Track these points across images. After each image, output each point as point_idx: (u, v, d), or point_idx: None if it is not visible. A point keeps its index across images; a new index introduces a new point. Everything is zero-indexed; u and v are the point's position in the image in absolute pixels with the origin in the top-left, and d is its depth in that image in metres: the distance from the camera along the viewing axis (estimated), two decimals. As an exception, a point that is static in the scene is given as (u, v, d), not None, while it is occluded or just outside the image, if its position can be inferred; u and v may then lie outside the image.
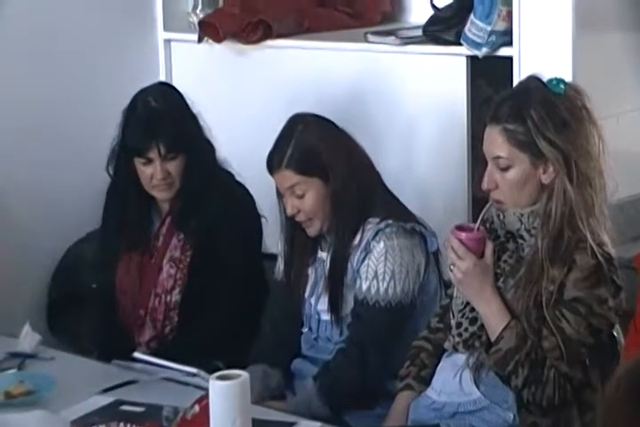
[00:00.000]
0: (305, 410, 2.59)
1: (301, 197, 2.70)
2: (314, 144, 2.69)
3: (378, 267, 2.67)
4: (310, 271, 2.79)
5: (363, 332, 2.68)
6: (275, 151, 2.72)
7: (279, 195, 2.76)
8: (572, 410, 2.39)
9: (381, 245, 2.67)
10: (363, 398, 2.68)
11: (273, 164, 2.71)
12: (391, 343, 2.68)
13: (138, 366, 2.50)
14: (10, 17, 3.44)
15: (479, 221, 2.44)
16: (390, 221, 2.68)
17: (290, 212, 2.72)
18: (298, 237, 2.78)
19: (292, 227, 2.77)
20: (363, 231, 2.70)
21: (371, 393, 2.68)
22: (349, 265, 2.71)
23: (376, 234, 2.69)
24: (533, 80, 2.45)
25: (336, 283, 2.71)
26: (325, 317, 2.76)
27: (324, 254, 2.77)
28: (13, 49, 3.45)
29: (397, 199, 2.78)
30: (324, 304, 2.75)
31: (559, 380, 2.36)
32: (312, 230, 2.74)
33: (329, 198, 2.69)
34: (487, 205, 2.46)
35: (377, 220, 2.69)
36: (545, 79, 2.43)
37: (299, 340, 2.82)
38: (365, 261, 2.69)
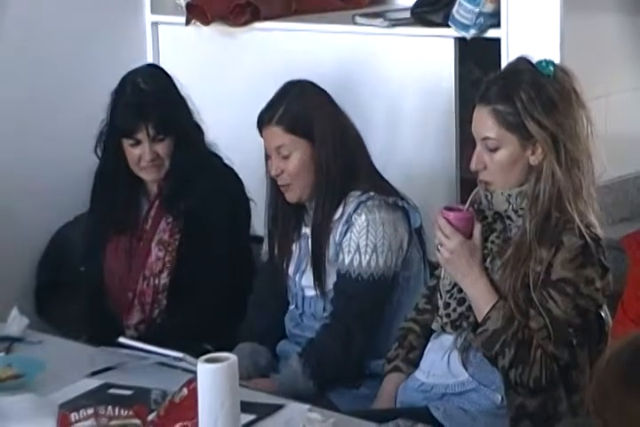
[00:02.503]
0: (291, 386, 2.60)
1: (287, 157, 2.70)
2: (306, 106, 2.71)
3: (360, 240, 2.67)
4: (295, 247, 2.79)
5: (346, 306, 2.68)
6: (267, 108, 2.74)
7: (266, 157, 2.75)
8: (560, 391, 2.40)
9: (363, 217, 2.68)
10: (348, 373, 2.69)
11: (263, 119, 2.73)
12: (375, 317, 2.69)
13: (124, 351, 2.50)
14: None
15: (468, 202, 2.45)
16: (372, 194, 2.69)
17: (274, 172, 2.72)
18: (282, 209, 2.78)
19: (276, 197, 2.77)
20: (345, 204, 2.70)
21: (356, 369, 2.69)
22: (332, 239, 2.71)
23: (357, 207, 2.69)
24: (523, 62, 2.46)
25: (318, 255, 2.71)
26: (310, 293, 2.77)
27: (307, 230, 2.77)
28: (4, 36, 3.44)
29: (383, 177, 2.78)
30: (308, 280, 2.76)
31: (546, 360, 2.36)
32: (291, 195, 2.73)
33: (313, 163, 2.69)
34: (477, 188, 2.47)
35: (358, 193, 2.70)
36: (534, 61, 2.44)
37: (284, 319, 2.83)
38: (347, 235, 2.69)
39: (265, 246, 2.85)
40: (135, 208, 3.01)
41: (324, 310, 2.74)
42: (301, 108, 2.70)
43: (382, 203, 2.68)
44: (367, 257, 2.66)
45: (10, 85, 3.47)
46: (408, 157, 3.25)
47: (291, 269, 2.80)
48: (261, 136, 2.75)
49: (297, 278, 2.79)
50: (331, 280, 2.72)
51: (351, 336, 2.67)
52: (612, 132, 2.64)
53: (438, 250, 2.44)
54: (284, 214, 2.79)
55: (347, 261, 2.68)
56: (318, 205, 2.72)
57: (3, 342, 2.64)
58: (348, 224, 2.69)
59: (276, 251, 2.80)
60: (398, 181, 2.82)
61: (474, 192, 2.46)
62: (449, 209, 2.44)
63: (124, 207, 2.99)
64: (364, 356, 2.69)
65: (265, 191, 2.84)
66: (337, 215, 2.70)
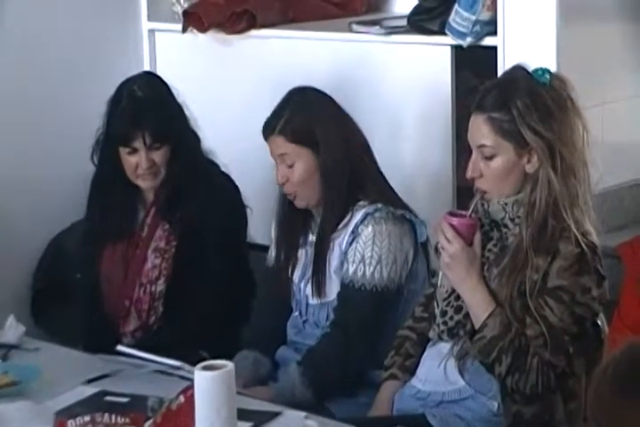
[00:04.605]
0: (289, 395, 2.60)
1: (291, 166, 2.71)
2: (309, 115, 2.72)
3: (365, 251, 2.68)
4: (301, 254, 2.80)
5: (347, 315, 2.69)
6: (270, 117, 2.75)
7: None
8: (556, 398, 2.40)
9: (369, 229, 2.68)
10: (346, 383, 2.69)
11: (267, 129, 2.74)
12: (376, 328, 2.69)
13: (122, 359, 2.50)
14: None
15: (471, 208, 2.45)
16: (380, 206, 2.70)
17: (279, 180, 2.74)
18: (289, 217, 2.80)
19: (284, 204, 2.79)
20: (352, 213, 2.71)
21: (354, 379, 2.69)
22: (338, 247, 2.72)
23: (365, 218, 2.70)
24: (519, 70, 2.46)
25: (320, 263, 2.72)
26: (314, 300, 2.77)
27: (314, 237, 2.77)
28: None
29: (390, 186, 2.79)
30: (311, 288, 2.76)
31: (542, 368, 2.37)
32: (299, 202, 2.75)
33: (318, 172, 2.70)
34: (477, 196, 2.47)
35: (366, 203, 2.71)
36: (530, 69, 2.44)
37: (286, 326, 2.83)
38: (353, 245, 2.69)
39: (271, 251, 2.86)
40: (131, 215, 3.01)
41: (327, 318, 2.74)
42: (304, 118, 2.71)
43: (390, 215, 2.69)
44: (371, 268, 2.67)
45: (5, 92, 3.47)
46: (406, 164, 3.26)
47: (296, 276, 2.81)
48: (266, 142, 2.75)
49: (302, 285, 2.79)
50: (334, 289, 2.73)
51: (350, 346, 2.67)
52: (608, 140, 2.64)
53: (436, 251, 2.46)
54: (292, 220, 2.80)
55: (351, 271, 2.68)
56: (325, 213, 2.73)
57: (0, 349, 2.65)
58: (355, 234, 2.69)
59: (282, 257, 2.81)
60: (396, 188, 2.82)
61: (475, 199, 2.46)
62: (452, 215, 2.45)
63: (120, 215, 2.99)
64: (363, 366, 2.69)
65: (262, 198, 2.84)
66: (343, 224, 2.71)
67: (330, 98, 2.80)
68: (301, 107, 2.73)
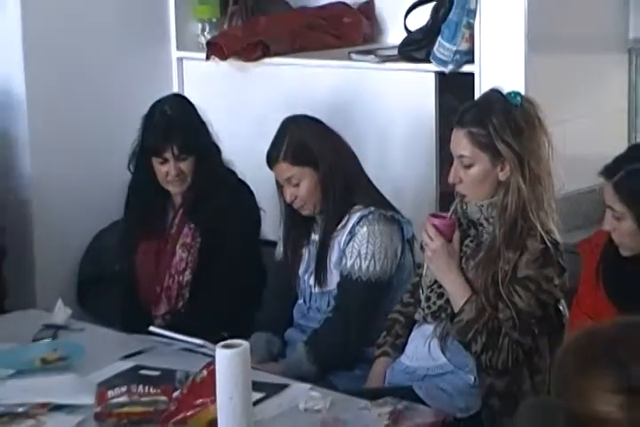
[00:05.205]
0: (296, 370, 2.59)
1: (297, 185, 2.70)
2: (304, 139, 2.70)
3: (361, 248, 2.66)
4: (305, 251, 2.79)
5: (346, 302, 2.68)
6: (272, 148, 2.73)
7: (278, 185, 2.76)
8: (524, 372, 2.39)
9: (364, 229, 2.67)
10: (345, 359, 2.68)
11: (271, 158, 2.72)
12: (370, 313, 2.67)
13: (154, 339, 2.48)
14: (48, 37, 3.42)
15: (451, 210, 2.45)
16: (372, 209, 2.69)
17: (288, 199, 2.72)
18: (294, 222, 2.78)
19: (290, 213, 2.77)
20: (349, 216, 2.70)
21: (352, 356, 2.68)
22: (337, 245, 2.70)
23: (360, 219, 2.68)
24: (494, 92, 2.46)
25: (323, 257, 2.71)
26: (316, 290, 2.76)
27: (316, 237, 2.76)
28: (50, 69, 3.43)
29: (380, 192, 2.78)
30: (314, 279, 2.74)
31: (512, 346, 2.36)
32: (306, 211, 2.75)
33: (320, 185, 2.69)
34: (457, 199, 2.46)
35: (361, 207, 2.69)
36: (504, 92, 2.43)
37: (292, 311, 2.81)
38: (350, 243, 2.68)
39: (279, 249, 2.84)
40: (162, 216, 2.99)
41: (328, 305, 2.73)
42: (301, 142, 2.69)
43: (381, 217, 2.68)
44: (367, 262, 2.65)
45: (58, 116, 3.46)
46: (396, 172, 3.24)
47: (301, 270, 2.79)
48: (272, 170, 2.74)
49: (306, 278, 2.78)
50: (334, 280, 2.71)
51: (349, 328, 2.66)
52: (570, 153, 2.64)
53: (422, 247, 2.45)
54: (296, 226, 2.79)
55: (349, 264, 2.67)
56: (326, 217, 2.72)
57: (49, 329, 2.63)
58: (352, 234, 2.68)
59: (289, 254, 2.80)
60: (387, 193, 2.82)
61: (455, 202, 2.46)
62: (434, 216, 2.45)
63: (152, 215, 2.98)
64: (359, 344, 2.67)
65: (272, 200, 2.84)
66: (341, 225, 2.70)
67: (319, 121, 2.78)
68: (296, 133, 2.71)
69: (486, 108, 2.41)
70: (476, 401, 2.39)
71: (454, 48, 3.05)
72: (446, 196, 2.69)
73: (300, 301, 2.81)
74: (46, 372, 2.35)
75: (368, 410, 2.13)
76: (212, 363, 1.98)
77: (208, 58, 3.61)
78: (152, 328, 2.53)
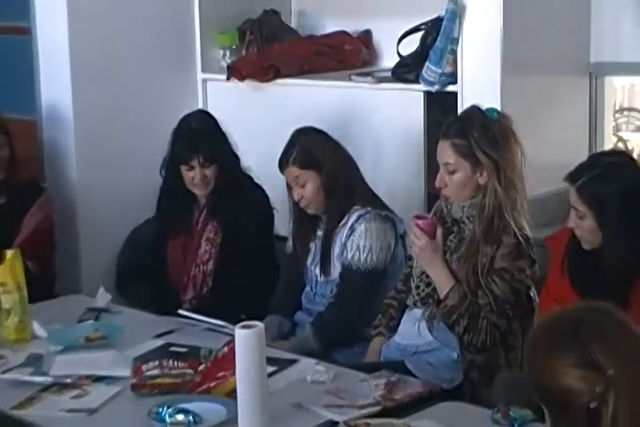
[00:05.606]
0: (304, 347, 2.58)
1: (303, 186, 2.70)
2: (310, 147, 2.72)
3: (359, 242, 2.66)
4: (312, 245, 2.79)
5: (347, 289, 2.68)
6: (283, 155, 2.75)
7: (288, 187, 2.76)
8: (499, 350, 2.40)
9: (362, 226, 2.67)
10: (345, 338, 2.68)
11: (282, 163, 2.74)
12: (368, 299, 2.67)
13: (182, 320, 2.49)
14: (91, 64, 3.43)
15: (432, 212, 2.47)
16: (369, 209, 2.69)
17: (296, 198, 2.73)
18: (302, 220, 2.79)
19: (298, 212, 2.78)
20: (349, 215, 2.70)
21: (351, 335, 2.68)
22: (339, 240, 2.71)
23: (359, 218, 2.69)
24: (475, 109, 2.46)
25: (326, 251, 2.71)
26: (321, 279, 2.76)
27: (320, 233, 2.77)
28: (93, 91, 3.42)
29: (376, 194, 2.78)
30: (320, 270, 2.74)
31: (490, 328, 2.36)
32: (311, 211, 2.75)
33: (323, 187, 2.69)
34: (437, 202, 2.49)
35: (359, 207, 2.70)
36: (483, 108, 2.43)
37: (301, 297, 2.81)
38: (350, 238, 2.69)
39: (289, 243, 2.85)
40: (189, 215, 3.00)
41: (331, 291, 2.74)
42: (308, 149, 2.71)
43: (377, 216, 2.68)
44: (365, 255, 2.66)
45: (99, 130, 3.45)
46: (390, 177, 3.24)
47: (308, 261, 2.79)
48: (282, 174, 2.76)
49: (312, 268, 2.78)
50: (336, 271, 2.72)
51: (349, 312, 2.66)
52: (539, 161, 2.63)
53: (411, 247, 2.46)
54: (304, 223, 2.79)
55: (349, 256, 2.68)
56: (329, 217, 2.72)
57: (92, 312, 2.64)
58: (351, 230, 2.69)
59: (298, 248, 2.80)
60: (382, 195, 2.82)
61: (436, 205, 2.48)
62: (418, 217, 2.46)
63: (181, 214, 2.99)
64: (358, 325, 2.67)
65: (284, 202, 2.84)
66: (342, 223, 2.71)
67: (324, 132, 2.79)
68: (303, 142, 2.72)
69: (467, 122, 2.41)
70: (459, 374, 2.39)
71: (440, 71, 3.05)
72: (433, 198, 2.69)
73: (308, 288, 2.81)
74: (90, 348, 2.36)
75: (366, 381, 2.14)
76: (232, 341, 1.99)
77: (228, 79, 3.61)
78: (180, 311, 2.54)
